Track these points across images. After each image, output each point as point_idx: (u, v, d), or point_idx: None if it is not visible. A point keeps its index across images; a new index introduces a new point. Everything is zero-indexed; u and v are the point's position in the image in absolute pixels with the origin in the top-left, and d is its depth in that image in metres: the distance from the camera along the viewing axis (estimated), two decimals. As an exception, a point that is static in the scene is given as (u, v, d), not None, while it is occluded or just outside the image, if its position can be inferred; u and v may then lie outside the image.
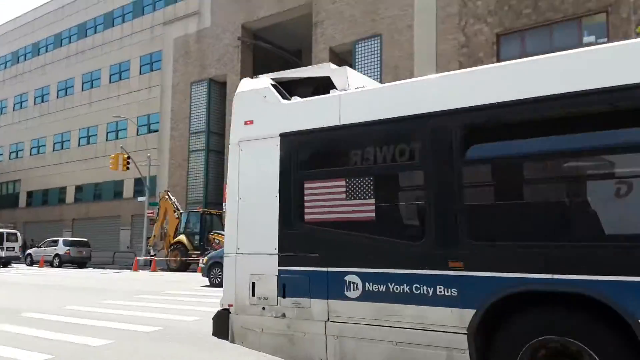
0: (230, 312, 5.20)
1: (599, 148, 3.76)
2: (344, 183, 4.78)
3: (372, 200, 4.63)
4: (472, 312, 3.94)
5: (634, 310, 3.38)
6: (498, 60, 20.87)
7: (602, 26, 20.28)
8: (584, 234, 3.80)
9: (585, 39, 20.42)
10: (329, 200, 4.85)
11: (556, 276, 3.69)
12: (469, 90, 4.26)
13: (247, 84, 5.62)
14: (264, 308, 4.99)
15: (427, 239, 4.27)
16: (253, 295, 5.06)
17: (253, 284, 5.08)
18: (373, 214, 4.62)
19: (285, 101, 5.30)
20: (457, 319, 4.02)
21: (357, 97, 4.96)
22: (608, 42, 18.46)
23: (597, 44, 19.30)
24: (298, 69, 6.10)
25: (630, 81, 3.56)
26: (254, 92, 5.44)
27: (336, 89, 5.26)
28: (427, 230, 4.30)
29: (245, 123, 5.37)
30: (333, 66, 5.64)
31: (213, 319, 5.36)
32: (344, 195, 4.76)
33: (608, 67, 3.73)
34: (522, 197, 4.25)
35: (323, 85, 5.46)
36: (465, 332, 3.97)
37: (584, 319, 3.64)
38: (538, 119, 4.00)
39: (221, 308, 5.32)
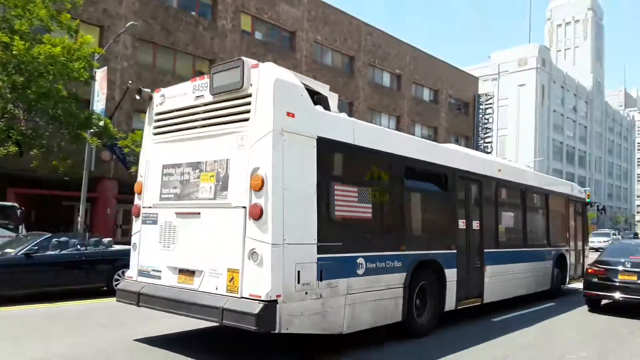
0: (277, 303, 5.41)
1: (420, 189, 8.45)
2: (356, 189, 6.70)
3: (370, 205, 6.91)
4: (405, 274, 7.26)
5: (445, 265, 8.17)
6: None
7: None
8: (430, 232, 8.50)
9: None
10: (348, 201, 6.51)
11: (429, 251, 7.91)
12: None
13: (279, 73, 5.99)
14: (306, 293, 5.74)
15: (395, 234, 7.40)
16: (299, 282, 5.65)
17: (298, 272, 5.66)
18: (371, 215, 6.93)
19: (318, 108, 6.42)
20: (400, 279, 7.18)
21: (369, 128, 7.72)
22: None
23: None
24: (306, 77, 6.90)
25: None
26: (294, 86, 6.02)
27: (326, 109, 6.67)
28: (395, 229, 7.45)
29: (287, 114, 5.73)
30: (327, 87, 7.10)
31: (257, 314, 5.31)
32: (356, 199, 6.65)
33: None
34: (419, 214, 8.51)
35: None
36: (402, 285, 7.23)
37: (429, 272, 7.89)
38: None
39: (267, 300, 5.37)
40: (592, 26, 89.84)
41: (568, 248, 13.72)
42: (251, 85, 5.81)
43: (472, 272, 9.23)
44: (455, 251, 8.62)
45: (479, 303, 9.59)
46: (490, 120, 54.69)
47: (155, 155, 6.95)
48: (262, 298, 5.38)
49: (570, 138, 75.52)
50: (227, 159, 5.94)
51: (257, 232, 5.54)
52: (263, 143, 5.59)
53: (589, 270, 11.52)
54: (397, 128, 42.67)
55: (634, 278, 10.61)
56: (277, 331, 5.48)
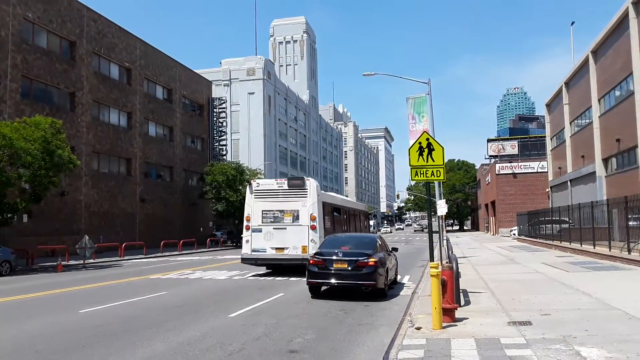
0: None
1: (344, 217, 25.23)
2: (328, 217, 21.48)
3: (330, 222, 21.94)
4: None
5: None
6: None
7: None
8: (340, 230, 23.78)
9: None
10: (326, 221, 20.61)
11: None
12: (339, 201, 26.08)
13: (316, 182, 20.19)
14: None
15: (327, 231, 20.31)
16: (313, 250, 16.73)
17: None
18: (330, 225, 21.58)
19: (321, 191, 21.40)
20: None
21: (331, 195, 24.96)
22: None
23: None
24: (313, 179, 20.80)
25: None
26: (319, 185, 20.63)
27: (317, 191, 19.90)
28: (336, 228, 22.69)
29: (317, 195, 19.42)
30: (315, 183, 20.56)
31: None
32: (329, 220, 21.56)
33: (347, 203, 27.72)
34: (342, 225, 24.50)
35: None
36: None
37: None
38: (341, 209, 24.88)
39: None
40: (307, 47, 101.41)
41: None
42: (307, 185, 19.37)
43: None
44: None
45: None
46: (225, 124, 56.15)
47: (256, 205, 19.37)
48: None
49: (293, 145, 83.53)
50: (298, 210, 19.07)
51: (313, 233, 18.73)
52: (313, 205, 19.02)
53: (311, 261, 12.78)
54: (129, 124, 39.88)
55: (345, 265, 12.32)
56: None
